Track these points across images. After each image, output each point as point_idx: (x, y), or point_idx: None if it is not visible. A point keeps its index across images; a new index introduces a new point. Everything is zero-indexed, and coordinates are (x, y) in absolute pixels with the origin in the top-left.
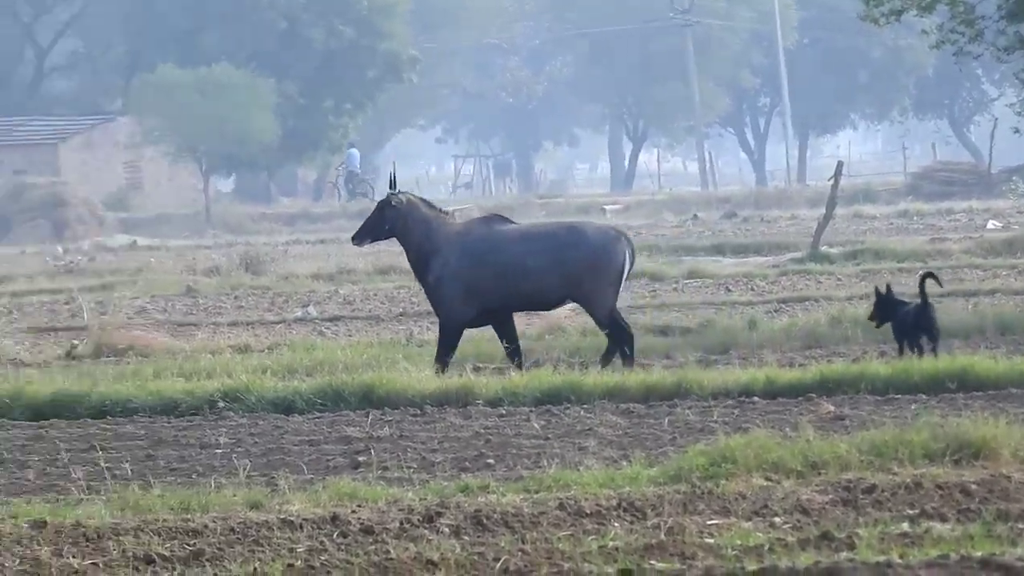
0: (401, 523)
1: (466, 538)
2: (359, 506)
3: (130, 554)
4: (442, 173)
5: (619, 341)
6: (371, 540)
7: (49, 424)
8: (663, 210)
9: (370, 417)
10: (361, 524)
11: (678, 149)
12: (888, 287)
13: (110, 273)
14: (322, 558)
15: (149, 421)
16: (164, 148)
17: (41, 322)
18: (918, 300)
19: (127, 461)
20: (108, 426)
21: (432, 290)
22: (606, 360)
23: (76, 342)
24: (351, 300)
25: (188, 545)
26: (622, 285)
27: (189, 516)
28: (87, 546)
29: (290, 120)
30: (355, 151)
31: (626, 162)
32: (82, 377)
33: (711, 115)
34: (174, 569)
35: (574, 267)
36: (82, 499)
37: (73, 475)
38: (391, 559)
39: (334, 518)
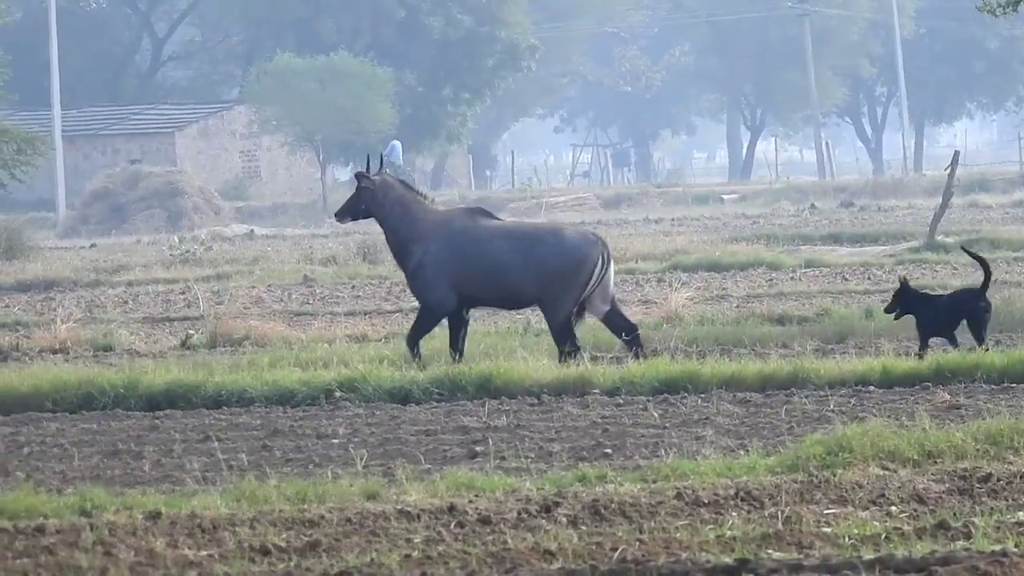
0: (518, 513)
1: (583, 528)
2: (476, 496)
3: (246, 545)
4: (560, 162)
5: (562, 352)
6: (488, 530)
7: (164, 414)
8: (780, 199)
9: (487, 407)
10: (478, 514)
11: (795, 138)
12: (905, 279)
13: (226, 262)
14: (439, 548)
15: (265, 411)
16: (281, 137)
17: (157, 312)
18: (945, 292)
19: (243, 451)
20: (224, 416)
21: (413, 276)
22: (636, 355)
23: (192, 332)
24: None
25: (304, 536)
26: (605, 290)
27: (305, 506)
28: (202, 537)
29: (408, 109)
30: (397, 143)
31: (744, 151)
32: (198, 367)
33: (828, 104)
34: (290, 560)
35: (547, 269)
36: (197, 490)
37: (188, 465)
38: (508, 549)
39: (451, 508)
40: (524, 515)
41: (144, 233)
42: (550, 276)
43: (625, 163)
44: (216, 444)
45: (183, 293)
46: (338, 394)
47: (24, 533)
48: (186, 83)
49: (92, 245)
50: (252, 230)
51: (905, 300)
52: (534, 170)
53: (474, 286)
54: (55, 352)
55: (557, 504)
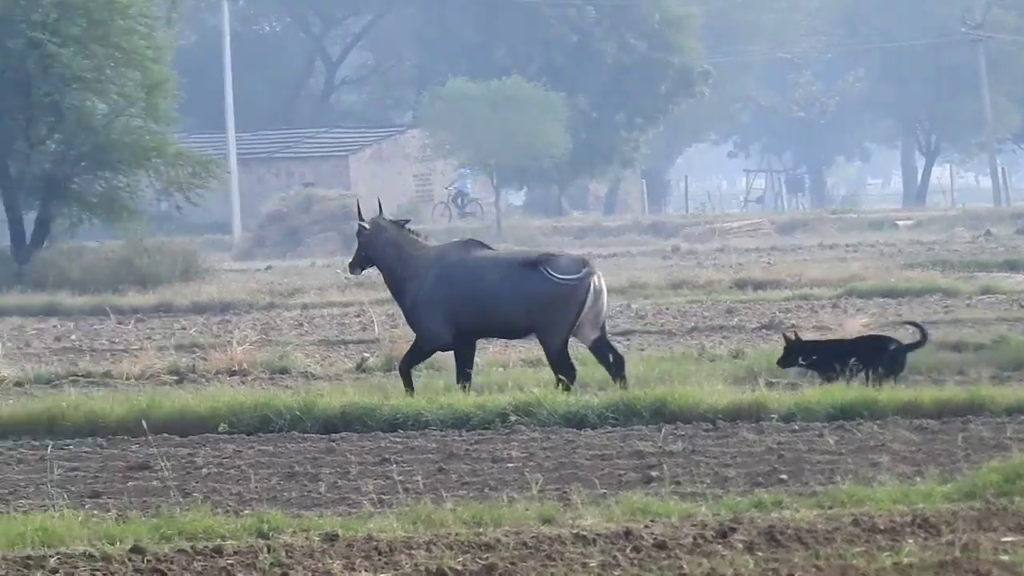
0: (694, 538)
1: (759, 554)
2: (652, 521)
3: (422, 568)
4: (734, 188)
5: (563, 375)
6: (664, 555)
7: (340, 437)
8: (956, 225)
9: (662, 431)
10: (654, 539)
11: (970, 164)
12: (796, 333)
13: None
14: (615, 573)
15: (441, 434)
16: (455, 161)
17: (332, 334)
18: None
19: (419, 474)
20: (399, 439)
21: (410, 313)
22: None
23: (367, 355)
24: (643, 314)
25: (480, 559)
26: (596, 317)
27: (481, 530)
28: (379, 559)
29: (581, 133)
30: (466, 170)
31: (918, 177)
32: (373, 390)
33: (1003, 130)
34: None
35: (539, 298)
36: (373, 512)
37: (364, 488)
38: (684, 574)
39: (627, 533)
40: (700, 540)
41: (318, 256)
42: (541, 305)
43: (799, 189)
44: (392, 467)
45: (358, 316)
46: (513, 418)
47: (202, 554)
48: (359, 107)
49: (267, 267)
50: None
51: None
52: (708, 195)
53: (469, 318)
54: (231, 374)
55: (733, 530)
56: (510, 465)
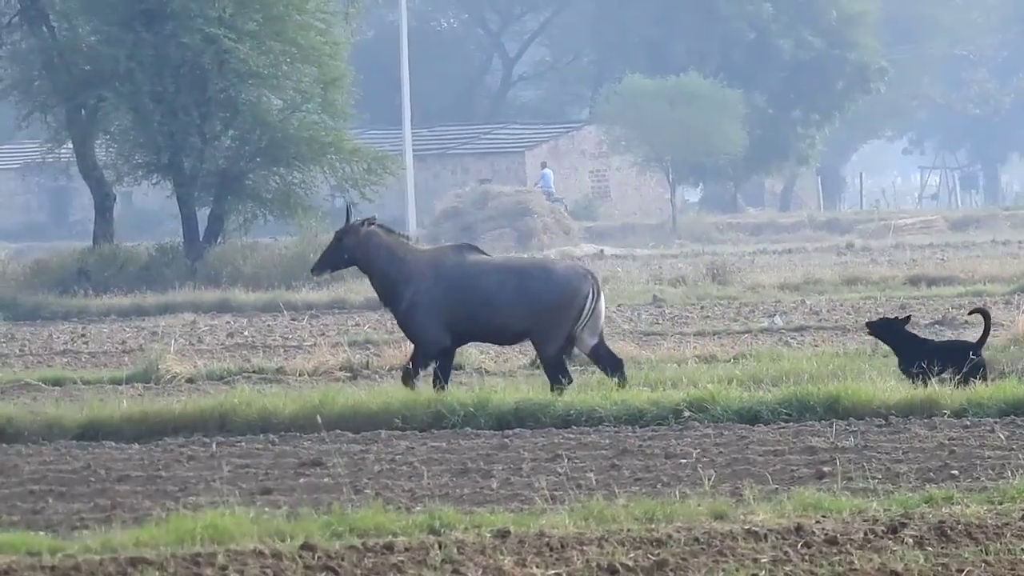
0: (865, 534)
1: (929, 549)
2: (823, 517)
3: (594, 564)
4: (908, 184)
5: (555, 381)
6: (835, 551)
7: (513, 433)
8: None
9: (835, 427)
10: (825, 535)
11: None
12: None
13: None
14: (786, 569)
15: (614, 431)
16: (631, 158)
17: None
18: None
19: (591, 470)
20: (572, 435)
21: (405, 317)
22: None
23: None
24: (817, 310)
25: (652, 555)
26: (595, 323)
27: (653, 526)
28: (550, 556)
29: (757, 130)
30: (549, 171)
31: None
32: (546, 386)
33: None
34: None
35: (539, 304)
36: (545, 508)
37: (537, 484)
38: (855, 570)
39: (798, 528)
40: (871, 536)
41: (494, 252)
42: (541, 311)
43: (973, 186)
44: (565, 463)
45: None
46: (687, 414)
47: (373, 551)
48: (536, 103)
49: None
50: (602, 250)
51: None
52: (882, 192)
53: (466, 322)
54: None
55: (904, 525)
56: (683, 461)
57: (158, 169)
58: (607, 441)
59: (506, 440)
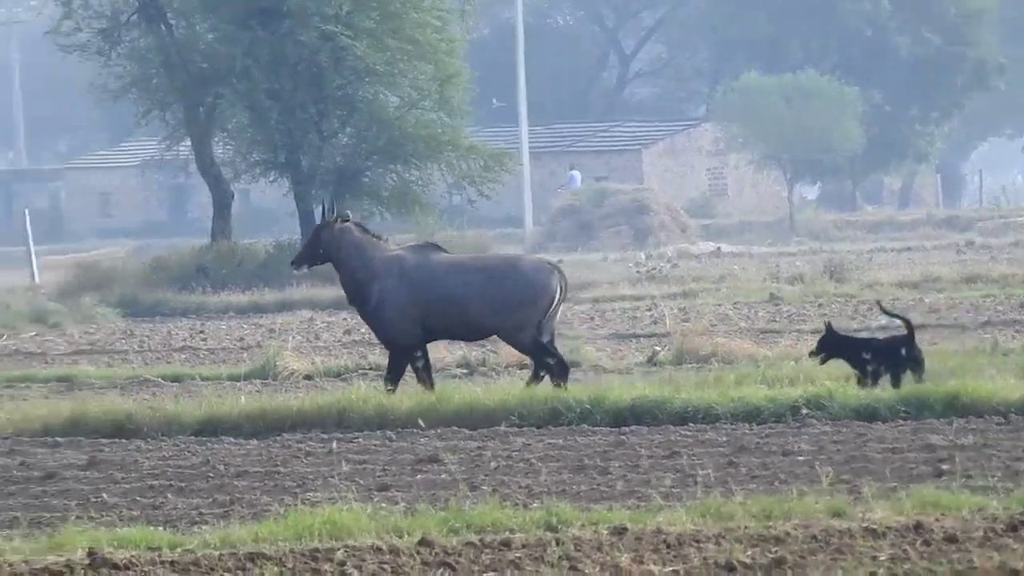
0: (984, 532)
1: None
2: (942, 514)
3: (711, 562)
4: None
5: (544, 367)
6: (954, 549)
7: (630, 430)
8: None
9: (954, 425)
10: (944, 532)
11: None
12: (829, 324)
13: (693, 280)
14: (904, 567)
15: (731, 428)
16: (748, 155)
17: (623, 328)
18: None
19: (708, 467)
20: (689, 432)
21: (373, 316)
22: (533, 382)
23: (658, 348)
24: (936, 308)
25: (769, 552)
26: (550, 322)
27: (771, 523)
28: (667, 553)
29: (875, 128)
30: (576, 173)
31: None
32: (663, 383)
33: None
34: None
35: (507, 300)
36: (663, 506)
37: (654, 481)
38: (974, 568)
39: (917, 526)
40: (990, 534)
41: (610, 250)
42: (509, 308)
43: None
44: (682, 460)
45: (649, 310)
46: (804, 411)
47: (490, 547)
48: (652, 100)
49: (559, 261)
50: (719, 248)
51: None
52: (1003, 189)
53: (434, 319)
54: (522, 367)
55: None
56: (800, 458)
57: (275, 167)
58: (724, 438)
59: (623, 437)
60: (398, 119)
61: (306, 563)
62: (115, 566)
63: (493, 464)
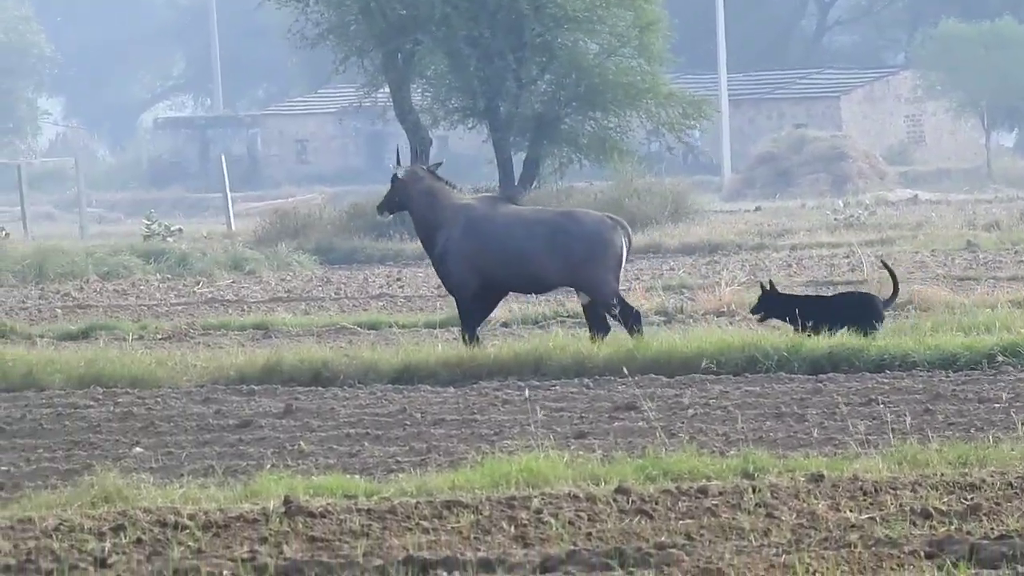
0: None
1: None
2: None
3: (907, 508)
4: None
5: (629, 322)
6: None
7: (827, 378)
8: None
9: None
10: None
11: None
12: (771, 283)
13: (890, 227)
14: None
15: (927, 375)
16: (946, 103)
17: (820, 275)
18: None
19: (905, 415)
20: (886, 380)
21: (438, 264)
22: (596, 337)
23: None
24: None
25: (965, 500)
26: (621, 270)
27: (966, 470)
28: (864, 500)
29: None
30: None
31: None
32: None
33: None
34: (950, 523)
35: (571, 254)
36: (859, 453)
37: (851, 429)
38: None
39: None
40: None
41: (808, 197)
42: (573, 262)
43: None
44: (879, 407)
45: (847, 257)
46: (1000, 359)
47: (687, 494)
48: (850, 48)
49: (756, 209)
50: (916, 195)
51: (769, 302)
52: None
53: (494, 271)
54: (719, 315)
55: None
56: (996, 406)
57: (474, 114)
58: (921, 386)
59: (820, 384)
60: (597, 66)
61: (502, 511)
62: (311, 514)
63: (690, 411)
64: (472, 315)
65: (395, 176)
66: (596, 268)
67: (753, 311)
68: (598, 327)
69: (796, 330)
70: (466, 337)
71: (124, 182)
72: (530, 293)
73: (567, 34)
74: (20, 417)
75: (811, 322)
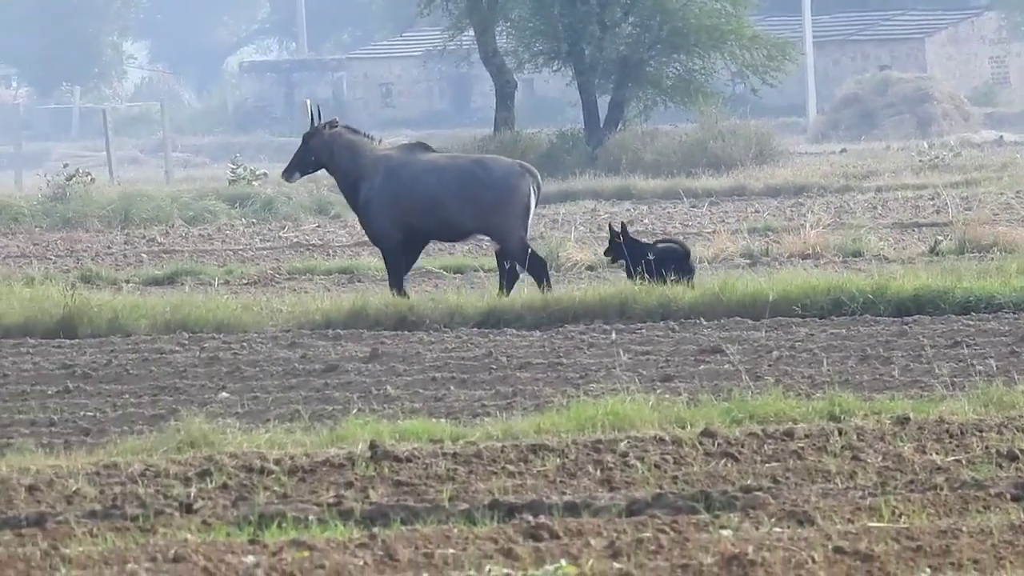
0: None
1: None
2: None
3: (992, 451)
4: None
5: (535, 272)
6: None
7: (913, 320)
8: None
9: None
10: None
11: None
12: (623, 226)
13: (975, 169)
14: None
15: (1013, 317)
16: None
17: (905, 217)
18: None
19: (991, 357)
20: (972, 322)
21: (362, 212)
22: (503, 292)
23: (940, 238)
24: None
25: None
26: (530, 218)
27: None
28: (949, 442)
29: None
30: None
31: None
32: (945, 273)
33: None
34: None
35: (480, 201)
36: (945, 395)
37: (937, 371)
38: None
39: None
40: None
41: (893, 139)
42: (483, 208)
43: None
44: (964, 350)
45: (932, 199)
46: None
47: (773, 437)
48: None
49: (842, 151)
50: (1001, 136)
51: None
52: None
53: (411, 218)
54: (804, 257)
55: None
56: None
57: (558, 56)
58: (1007, 328)
59: (905, 327)
60: (681, 9)
61: (588, 454)
62: (396, 458)
63: (775, 354)
64: (398, 265)
65: (311, 134)
66: (503, 215)
67: (605, 253)
68: (507, 280)
69: (628, 275)
70: (393, 288)
71: (209, 126)
72: (448, 240)
73: None
74: (106, 363)
75: (639, 268)
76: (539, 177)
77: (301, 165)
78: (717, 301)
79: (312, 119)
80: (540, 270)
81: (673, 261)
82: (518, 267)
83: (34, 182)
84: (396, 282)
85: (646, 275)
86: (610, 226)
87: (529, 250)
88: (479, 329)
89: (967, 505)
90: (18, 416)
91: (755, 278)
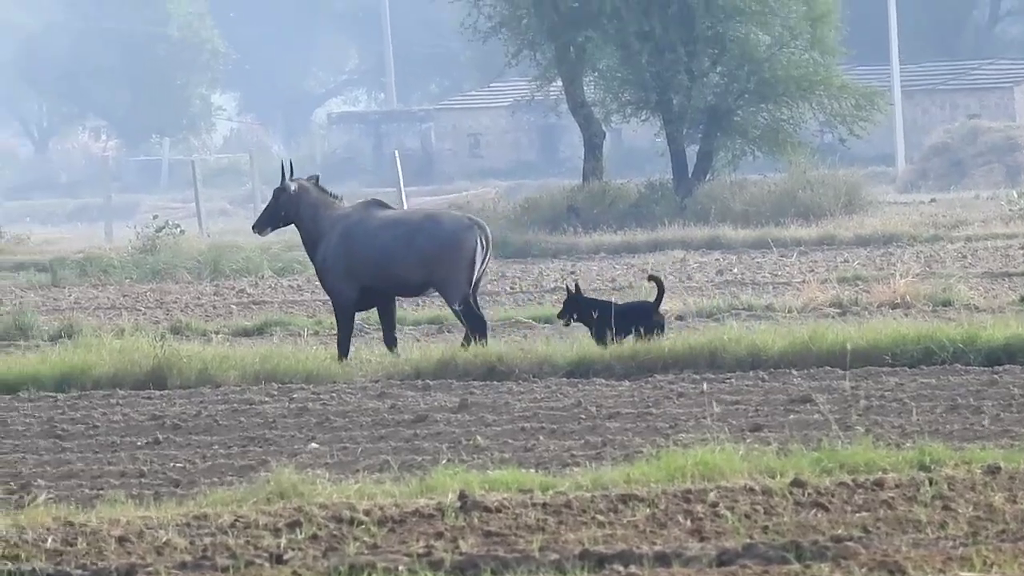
0: None
1: None
2: None
3: None
4: None
5: (472, 327)
6: None
7: (1003, 369)
8: None
9: None
10: None
11: None
12: (577, 286)
13: None
14: None
15: None
16: None
17: (996, 267)
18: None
19: None
20: None
21: (320, 272)
22: (465, 344)
23: None
24: None
25: None
26: (476, 273)
27: None
28: None
29: None
30: None
31: None
32: None
33: None
34: None
35: (426, 254)
36: None
37: None
38: None
39: None
40: None
41: (983, 188)
42: (430, 261)
43: None
44: None
45: (1022, 249)
46: None
47: (863, 487)
48: (1022, 38)
49: (931, 200)
50: None
51: (574, 307)
52: None
53: (367, 276)
54: (894, 307)
55: None
56: None
57: (646, 106)
58: None
59: (996, 376)
60: (769, 58)
61: (678, 504)
62: (486, 508)
63: (865, 404)
64: (348, 324)
65: (281, 190)
66: (447, 268)
67: (559, 315)
68: (471, 328)
69: (591, 334)
70: (340, 348)
71: (298, 177)
72: (404, 295)
73: (739, 27)
74: (195, 414)
75: (604, 327)
76: (488, 231)
77: (272, 220)
78: (807, 350)
79: (283, 175)
80: (478, 326)
81: (638, 316)
82: (458, 317)
83: (124, 234)
84: (343, 339)
85: (610, 332)
86: (567, 286)
87: (470, 304)
88: (568, 379)
89: None
90: (108, 467)
91: (845, 327)
